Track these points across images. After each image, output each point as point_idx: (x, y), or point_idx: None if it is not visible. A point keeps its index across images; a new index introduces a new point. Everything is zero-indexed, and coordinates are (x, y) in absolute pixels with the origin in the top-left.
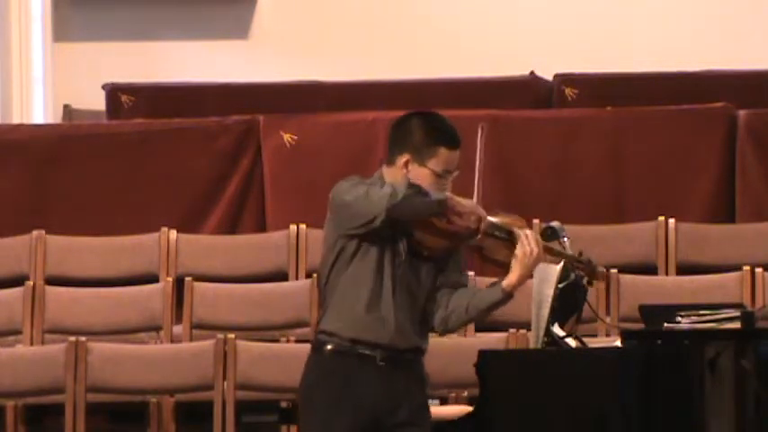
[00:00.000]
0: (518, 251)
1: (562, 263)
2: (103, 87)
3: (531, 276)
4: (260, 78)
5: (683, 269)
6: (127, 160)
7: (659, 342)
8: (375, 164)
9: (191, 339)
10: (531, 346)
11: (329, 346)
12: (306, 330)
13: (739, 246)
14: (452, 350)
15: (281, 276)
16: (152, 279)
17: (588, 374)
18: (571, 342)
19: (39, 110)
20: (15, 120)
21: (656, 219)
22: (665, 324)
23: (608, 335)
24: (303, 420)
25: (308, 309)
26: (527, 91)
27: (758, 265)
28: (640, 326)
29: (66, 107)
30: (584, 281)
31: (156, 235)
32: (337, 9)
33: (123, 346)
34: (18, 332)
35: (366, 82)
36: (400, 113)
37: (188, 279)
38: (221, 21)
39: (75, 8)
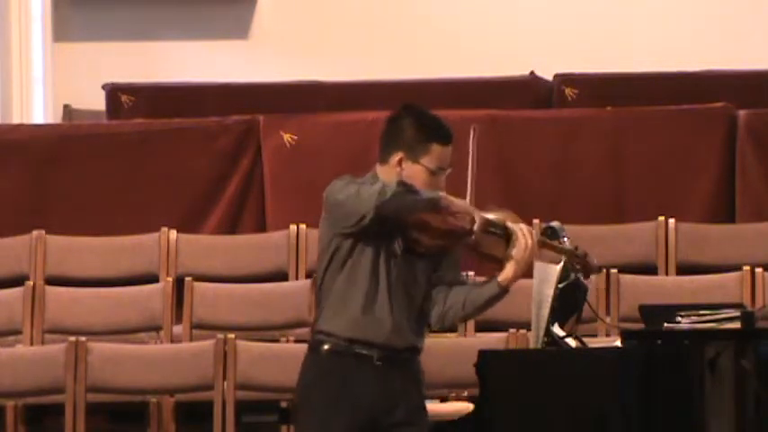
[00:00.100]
0: (514, 246)
1: (562, 263)
2: (103, 87)
3: (527, 271)
4: (260, 78)
5: (683, 269)
6: (127, 160)
7: (659, 342)
8: (375, 164)
9: (191, 339)
10: (531, 346)
11: (326, 346)
12: (306, 330)
13: (739, 246)
14: (452, 350)
15: (280, 276)
16: (152, 279)
17: (588, 374)
18: (571, 342)
19: (39, 110)
20: (15, 120)
21: (656, 219)
22: (665, 324)
23: (608, 335)
24: (300, 420)
25: (307, 309)
26: (527, 91)
27: (758, 265)
28: (640, 326)
29: (66, 107)
30: (581, 275)
31: (156, 235)
32: (337, 9)
33: (123, 346)
34: (18, 332)
35: (366, 82)
36: None
37: (188, 279)
38: (221, 21)
39: (75, 8)
